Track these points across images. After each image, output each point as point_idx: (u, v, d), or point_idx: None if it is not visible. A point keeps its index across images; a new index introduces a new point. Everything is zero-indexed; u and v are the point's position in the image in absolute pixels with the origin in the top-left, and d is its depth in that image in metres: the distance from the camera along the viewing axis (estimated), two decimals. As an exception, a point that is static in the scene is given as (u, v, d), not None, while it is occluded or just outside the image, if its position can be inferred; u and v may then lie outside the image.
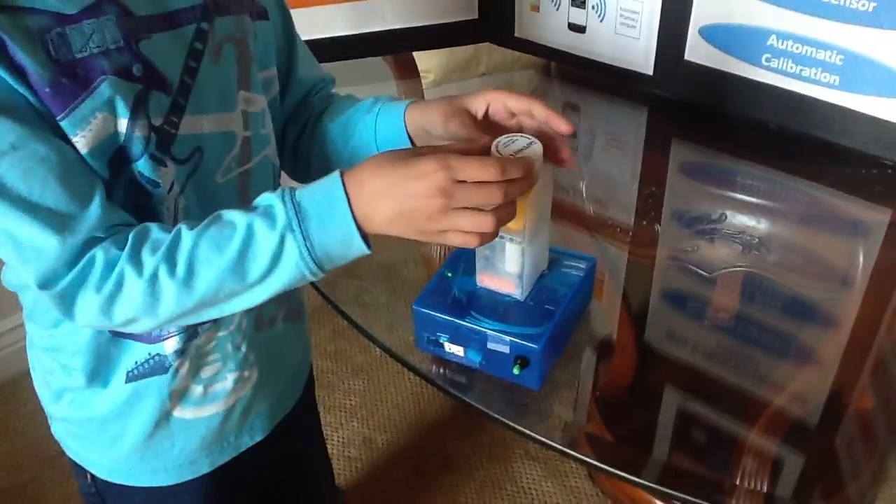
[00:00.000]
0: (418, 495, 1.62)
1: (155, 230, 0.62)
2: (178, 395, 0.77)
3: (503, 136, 0.72)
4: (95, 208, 0.61)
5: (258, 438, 0.86)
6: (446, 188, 0.59)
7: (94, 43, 0.60)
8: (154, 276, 0.60)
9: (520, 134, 0.73)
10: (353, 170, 0.62)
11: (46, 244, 0.59)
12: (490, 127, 0.74)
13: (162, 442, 0.79)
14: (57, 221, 0.59)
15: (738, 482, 0.76)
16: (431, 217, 0.60)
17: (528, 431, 0.81)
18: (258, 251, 0.61)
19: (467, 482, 1.64)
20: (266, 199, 0.63)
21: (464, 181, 0.59)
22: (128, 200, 0.66)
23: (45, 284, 0.61)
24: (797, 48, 1.14)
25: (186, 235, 0.61)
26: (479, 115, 0.74)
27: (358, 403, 1.82)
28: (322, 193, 0.61)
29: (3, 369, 1.86)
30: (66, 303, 0.62)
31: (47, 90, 0.58)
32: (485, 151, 0.68)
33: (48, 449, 1.71)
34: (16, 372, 1.86)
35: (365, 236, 0.61)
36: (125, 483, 0.83)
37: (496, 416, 0.82)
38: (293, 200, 0.61)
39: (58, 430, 0.85)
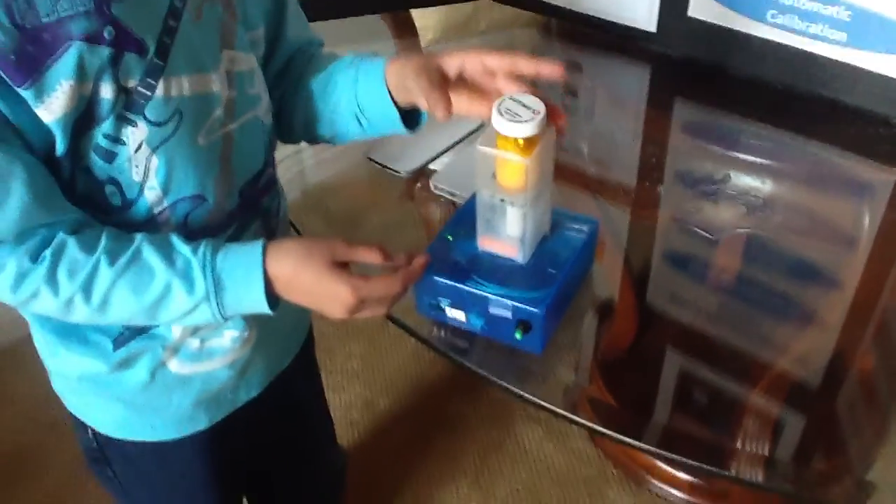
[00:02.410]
0: (420, 457, 1.63)
1: (72, 247, 0.63)
2: (174, 349, 0.77)
3: (505, 96, 0.71)
4: (11, 211, 0.60)
5: (254, 394, 0.87)
6: (352, 307, 0.68)
7: (63, 7, 0.57)
8: (70, 301, 0.64)
9: (523, 94, 0.71)
10: (275, 257, 0.66)
11: None
12: (465, 87, 0.73)
13: (159, 397, 0.79)
14: None
15: (739, 444, 0.76)
16: (334, 317, 0.69)
17: (529, 396, 0.81)
18: (171, 307, 0.66)
19: (469, 444, 1.64)
20: (185, 258, 0.66)
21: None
22: (87, 165, 0.65)
23: None
24: (804, 4, 1.11)
25: (105, 271, 0.64)
26: (452, 74, 0.72)
27: (359, 367, 1.82)
28: (243, 270, 0.66)
29: (6, 334, 1.86)
30: None
31: (12, 58, 0.56)
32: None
33: (49, 415, 1.72)
34: (16, 338, 1.86)
35: (273, 306, 0.68)
36: (125, 438, 0.83)
37: (497, 380, 0.82)
38: (213, 272, 0.65)
39: (57, 385, 0.84)
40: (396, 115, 0.76)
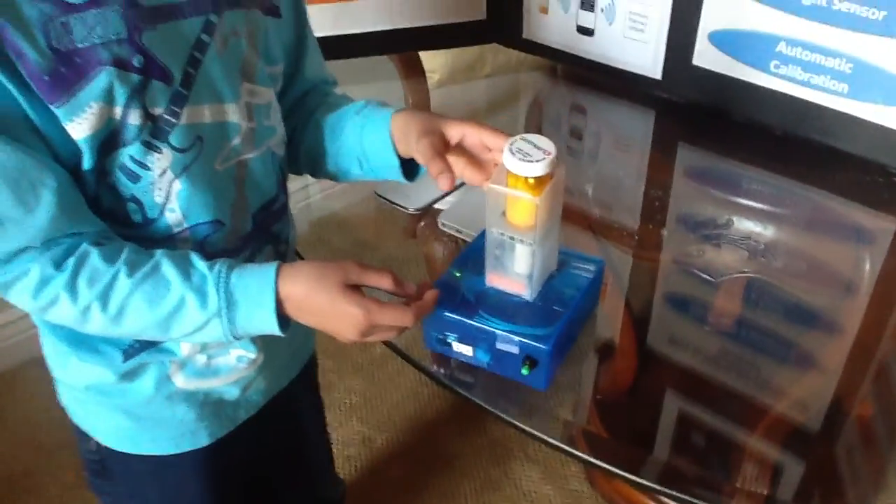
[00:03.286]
0: (417, 495, 1.62)
1: (94, 257, 0.65)
2: (180, 364, 0.78)
3: (517, 138, 0.73)
4: (39, 217, 0.62)
5: (253, 412, 0.88)
6: (364, 330, 0.69)
7: (97, 34, 0.60)
8: (87, 308, 0.66)
9: (530, 134, 0.73)
10: (288, 277, 0.68)
11: None
12: (464, 154, 0.77)
13: (162, 410, 0.80)
14: None
15: (738, 486, 0.76)
16: (345, 339, 0.70)
17: (526, 427, 0.81)
18: (184, 321, 0.67)
19: (466, 483, 1.63)
20: (201, 273, 0.67)
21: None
22: (112, 182, 0.67)
23: None
24: (806, 55, 1.14)
25: (124, 282, 0.65)
26: (453, 141, 0.77)
27: (358, 402, 1.82)
28: (256, 288, 0.67)
29: (3, 360, 1.86)
30: (1, 292, 0.67)
31: (45, 78, 0.59)
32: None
33: (44, 441, 1.71)
34: (16, 363, 1.86)
35: (284, 327, 0.69)
36: (126, 451, 0.84)
37: (497, 412, 0.83)
38: (227, 289, 0.67)
39: (63, 395, 0.85)
40: (397, 164, 0.80)
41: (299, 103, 0.88)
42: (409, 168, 0.82)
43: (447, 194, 1.11)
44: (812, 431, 0.85)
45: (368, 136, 0.81)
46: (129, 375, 0.77)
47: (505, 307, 0.81)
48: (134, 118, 0.64)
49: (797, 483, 0.80)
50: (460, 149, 0.77)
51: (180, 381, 0.79)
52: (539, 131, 0.75)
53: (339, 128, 0.84)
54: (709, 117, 1.30)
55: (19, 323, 1.83)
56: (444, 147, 0.75)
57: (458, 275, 0.85)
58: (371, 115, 0.81)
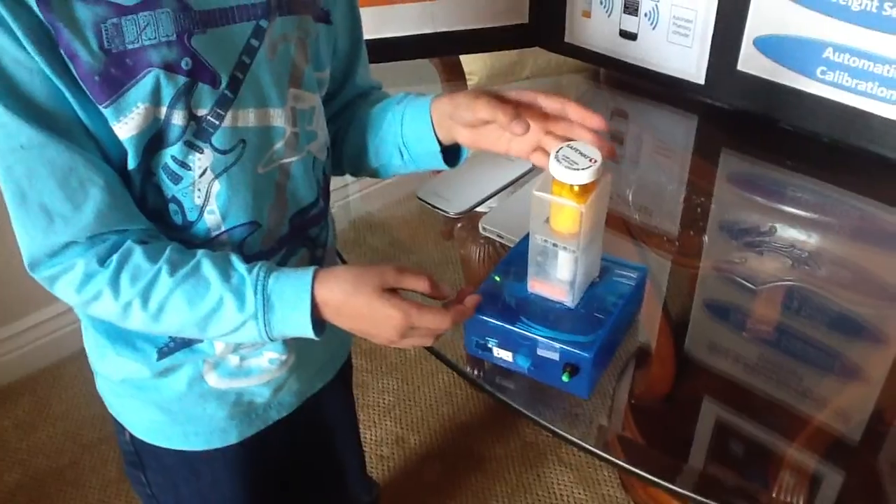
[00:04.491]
0: (450, 496, 1.62)
1: (138, 255, 0.67)
2: (213, 364, 0.80)
3: (563, 145, 0.73)
4: (87, 214, 0.64)
5: (284, 413, 0.89)
6: (403, 333, 0.69)
7: (147, 36, 0.62)
8: (128, 304, 0.67)
9: (576, 142, 0.73)
10: (325, 283, 0.68)
11: (33, 234, 0.65)
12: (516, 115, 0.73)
13: (194, 407, 0.82)
14: (45, 218, 0.64)
15: (775, 495, 0.76)
16: (383, 342, 0.71)
17: (562, 432, 0.81)
18: (221, 321, 0.68)
19: (499, 485, 1.64)
20: (240, 276, 0.68)
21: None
22: (156, 182, 0.69)
23: (30, 267, 0.67)
24: (854, 61, 1.12)
25: (165, 280, 0.67)
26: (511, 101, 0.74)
27: (392, 403, 1.83)
28: (292, 293, 0.68)
29: (45, 355, 1.90)
30: (47, 285, 0.69)
31: (96, 79, 0.61)
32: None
33: (88, 435, 1.75)
34: (58, 358, 1.90)
35: (319, 331, 0.70)
36: (159, 444, 0.86)
37: (534, 416, 0.83)
38: (264, 293, 0.68)
39: (101, 387, 0.88)
40: (437, 148, 0.80)
41: (347, 107, 0.89)
42: (451, 157, 0.82)
43: (488, 198, 1.11)
44: (853, 443, 0.84)
45: (408, 124, 0.81)
46: (163, 372, 0.79)
47: (546, 314, 0.81)
48: (178, 119, 0.65)
49: (837, 495, 0.79)
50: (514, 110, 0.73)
51: (213, 381, 0.80)
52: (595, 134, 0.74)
53: (380, 119, 0.84)
54: (753, 123, 1.28)
55: (61, 319, 1.87)
56: (499, 104, 0.71)
57: (498, 280, 0.85)
58: (411, 103, 0.82)
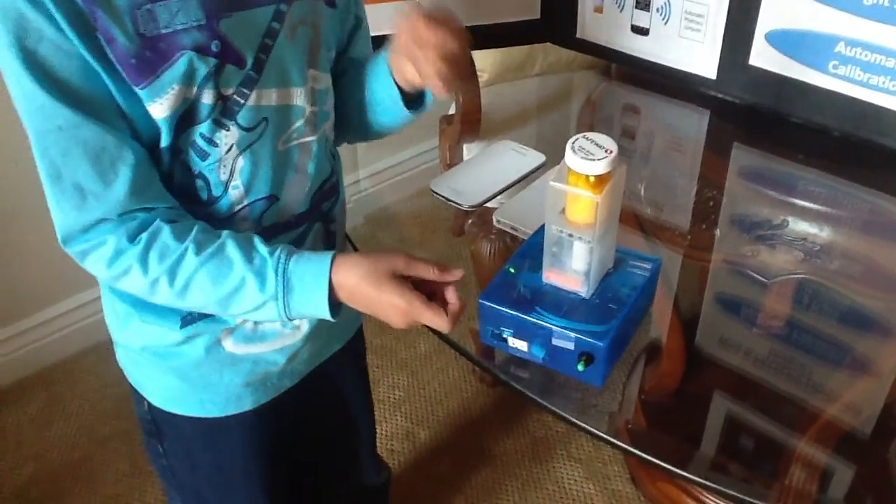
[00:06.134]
0: (460, 490, 1.63)
1: (166, 233, 0.70)
2: (230, 330, 0.83)
3: (578, 136, 0.74)
4: (117, 191, 0.68)
5: (297, 381, 0.92)
6: (408, 321, 0.72)
7: (179, 20, 0.65)
8: (156, 281, 0.71)
9: (592, 133, 0.74)
10: (342, 267, 0.71)
11: (67, 211, 0.69)
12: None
13: (211, 373, 0.85)
14: (78, 196, 0.68)
15: (786, 488, 0.76)
16: (394, 324, 0.73)
17: (574, 419, 0.82)
18: (243, 300, 0.72)
19: (508, 480, 1.64)
20: (262, 258, 0.71)
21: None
22: (184, 159, 0.72)
23: (63, 241, 0.71)
24: (866, 56, 1.13)
25: (191, 259, 0.70)
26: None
27: (402, 398, 1.84)
28: (311, 276, 0.71)
29: (59, 351, 1.91)
30: (79, 260, 0.72)
31: (132, 61, 0.64)
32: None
33: (101, 430, 1.76)
34: (72, 352, 1.91)
35: (335, 312, 0.73)
36: (176, 412, 0.88)
37: (548, 405, 0.83)
38: (285, 274, 0.71)
39: (121, 357, 0.90)
40: (397, 93, 0.82)
41: (338, 79, 0.91)
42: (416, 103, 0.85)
43: (502, 191, 1.11)
44: (864, 436, 0.84)
45: (372, 76, 0.85)
46: (184, 340, 0.82)
47: (561, 304, 0.81)
48: (207, 98, 0.69)
49: (847, 489, 0.79)
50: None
51: (229, 346, 0.83)
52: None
53: (357, 82, 0.87)
54: (764, 118, 1.29)
55: (74, 314, 1.89)
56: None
57: (513, 271, 0.86)
58: (376, 57, 0.85)
